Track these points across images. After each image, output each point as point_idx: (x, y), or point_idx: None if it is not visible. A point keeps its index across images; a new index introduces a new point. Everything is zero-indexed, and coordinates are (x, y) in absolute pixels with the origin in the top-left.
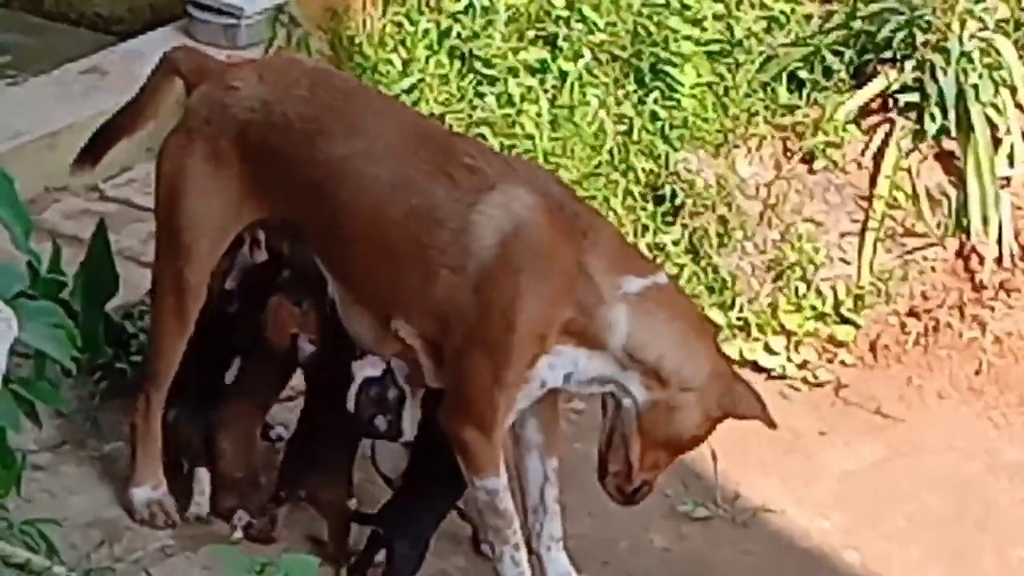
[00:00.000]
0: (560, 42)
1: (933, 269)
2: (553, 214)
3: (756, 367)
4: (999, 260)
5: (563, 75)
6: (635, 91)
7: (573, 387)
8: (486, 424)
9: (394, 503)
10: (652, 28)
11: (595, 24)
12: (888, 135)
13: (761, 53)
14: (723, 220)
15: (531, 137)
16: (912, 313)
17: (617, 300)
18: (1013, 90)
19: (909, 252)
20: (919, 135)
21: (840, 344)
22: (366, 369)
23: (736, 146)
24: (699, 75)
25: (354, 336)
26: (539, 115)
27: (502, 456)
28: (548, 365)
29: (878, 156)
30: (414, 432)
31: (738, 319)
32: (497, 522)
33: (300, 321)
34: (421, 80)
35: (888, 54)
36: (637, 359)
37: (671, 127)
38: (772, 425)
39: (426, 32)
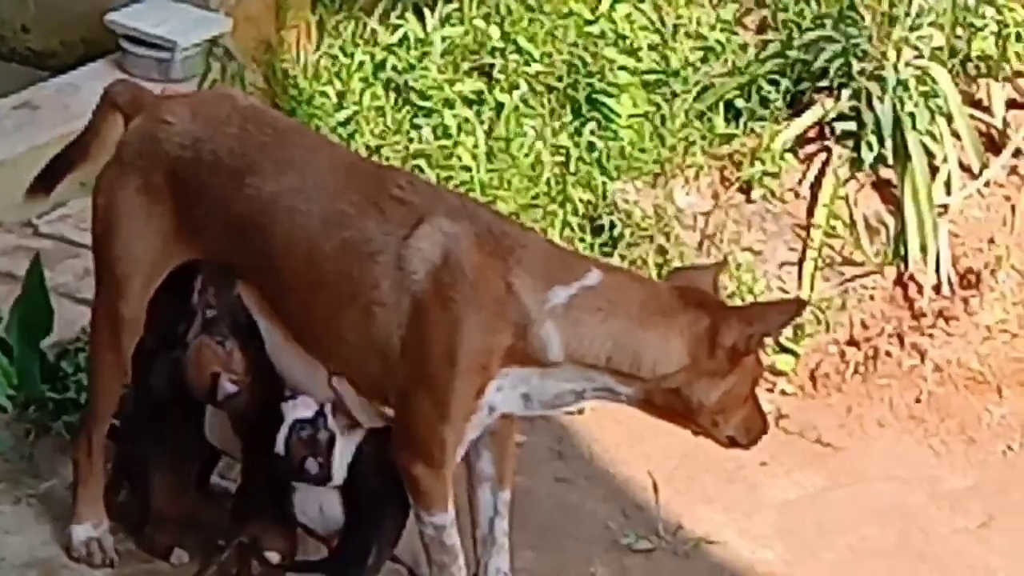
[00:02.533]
0: (496, 73)
1: (872, 298)
2: (480, 239)
3: None
4: (937, 288)
5: (499, 106)
6: (572, 122)
7: (538, 409)
8: (434, 459)
9: (338, 549)
10: (588, 59)
11: (531, 55)
12: (825, 164)
13: (697, 83)
14: (661, 250)
15: (468, 169)
16: (852, 342)
17: (544, 316)
18: (949, 118)
19: (848, 281)
20: (856, 163)
21: (780, 373)
22: (298, 410)
23: (673, 176)
24: (635, 105)
25: (286, 376)
26: (476, 147)
27: (451, 491)
28: (496, 388)
29: (816, 185)
30: (343, 475)
31: None
32: (443, 558)
33: (223, 361)
34: (356, 112)
35: (824, 83)
36: (589, 365)
37: (608, 157)
38: (802, 306)
39: (361, 64)
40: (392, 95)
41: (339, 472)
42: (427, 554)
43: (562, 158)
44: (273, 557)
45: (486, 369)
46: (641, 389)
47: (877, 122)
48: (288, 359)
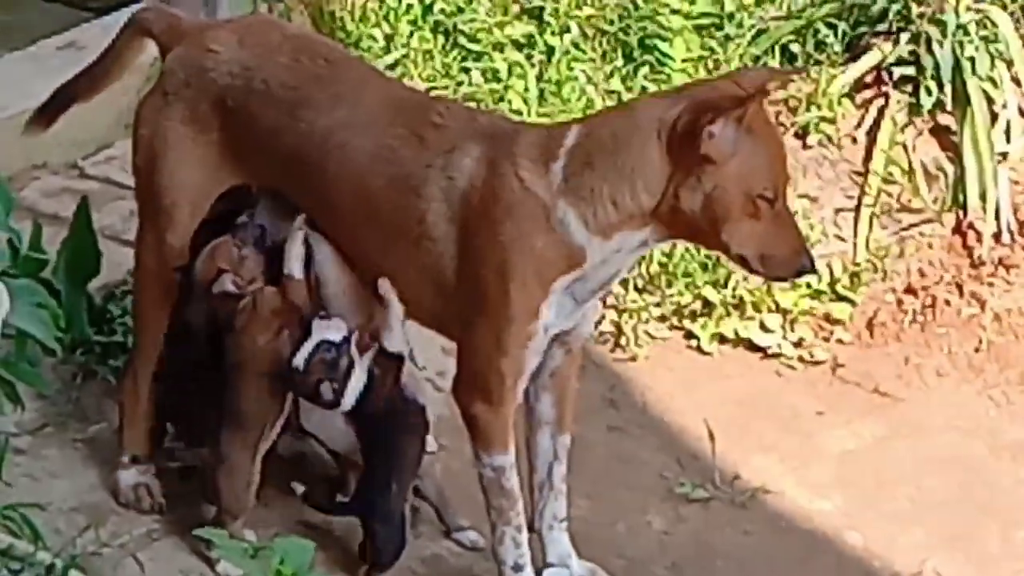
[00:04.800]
0: (546, 16)
1: (930, 246)
2: (493, 153)
3: (751, 346)
4: (997, 236)
5: (550, 50)
6: (624, 66)
7: (588, 298)
8: (493, 395)
9: (362, 486)
10: (640, 2)
11: None
12: (883, 109)
13: (752, 27)
14: None
15: (519, 113)
16: (909, 290)
17: (555, 198)
18: (1009, 63)
19: (905, 228)
20: (914, 109)
21: (836, 322)
22: (329, 332)
23: None
24: (689, 49)
25: (327, 297)
26: (526, 90)
27: (511, 431)
28: (548, 306)
29: (873, 131)
30: (351, 403)
31: (733, 297)
32: (501, 502)
33: (233, 262)
34: (405, 55)
35: (883, 27)
36: (609, 231)
37: None
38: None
39: (409, 7)
40: (440, 38)
41: (348, 399)
42: (485, 498)
43: (614, 102)
44: (297, 488)
45: (537, 287)
46: (657, 223)
47: (936, 67)
48: (335, 284)
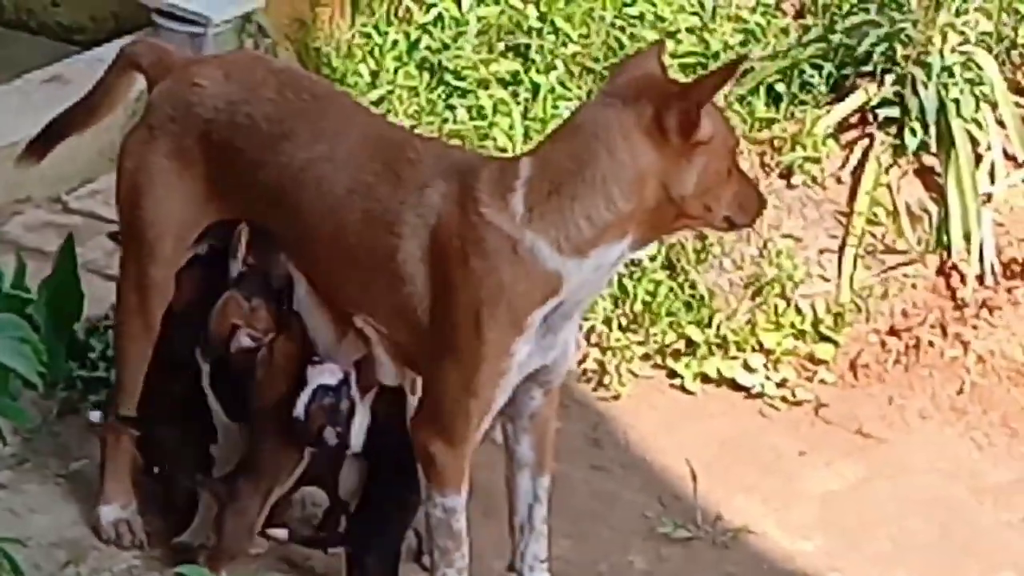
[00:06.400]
0: (532, 54)
1: (914, 286)
2: (460, 190)
3: (734, 385)
4: (981, 278)
5: (535, 87)
6: None
7: (563, 323)
8: (456, 436)
9: (357, 519)
10: (625, 40)
11: (568, 36)
12: (868, 150)
13: None
14: (701, 235)
15: (504, 150)
16: (893, 331)
17: (521, 230)
18: (994, 105)
19: (889, 269)
20: (899, 150)
21: (819, 362)
22: (324, 376)
23: None
24: None
25: (314, 339)
26: (511, 128)
27: (467, 473)
28: (522, 343)
29: (857, 171)
30: (360, 444)
31: (716, 336)
32: (447, 543)
33: (245, 316)
34: (390, 92)
35: (868, 68)
36: (585, 249)
37: None
38: (739, 62)
39: (395, 43)
40: (426, 75)
41: (356, 440)
42: (429, 537)
43: None
44: (279, 534)
45: (509, 324)
46: (635, 228)
47: (921, 108)
48: (317, 323)
